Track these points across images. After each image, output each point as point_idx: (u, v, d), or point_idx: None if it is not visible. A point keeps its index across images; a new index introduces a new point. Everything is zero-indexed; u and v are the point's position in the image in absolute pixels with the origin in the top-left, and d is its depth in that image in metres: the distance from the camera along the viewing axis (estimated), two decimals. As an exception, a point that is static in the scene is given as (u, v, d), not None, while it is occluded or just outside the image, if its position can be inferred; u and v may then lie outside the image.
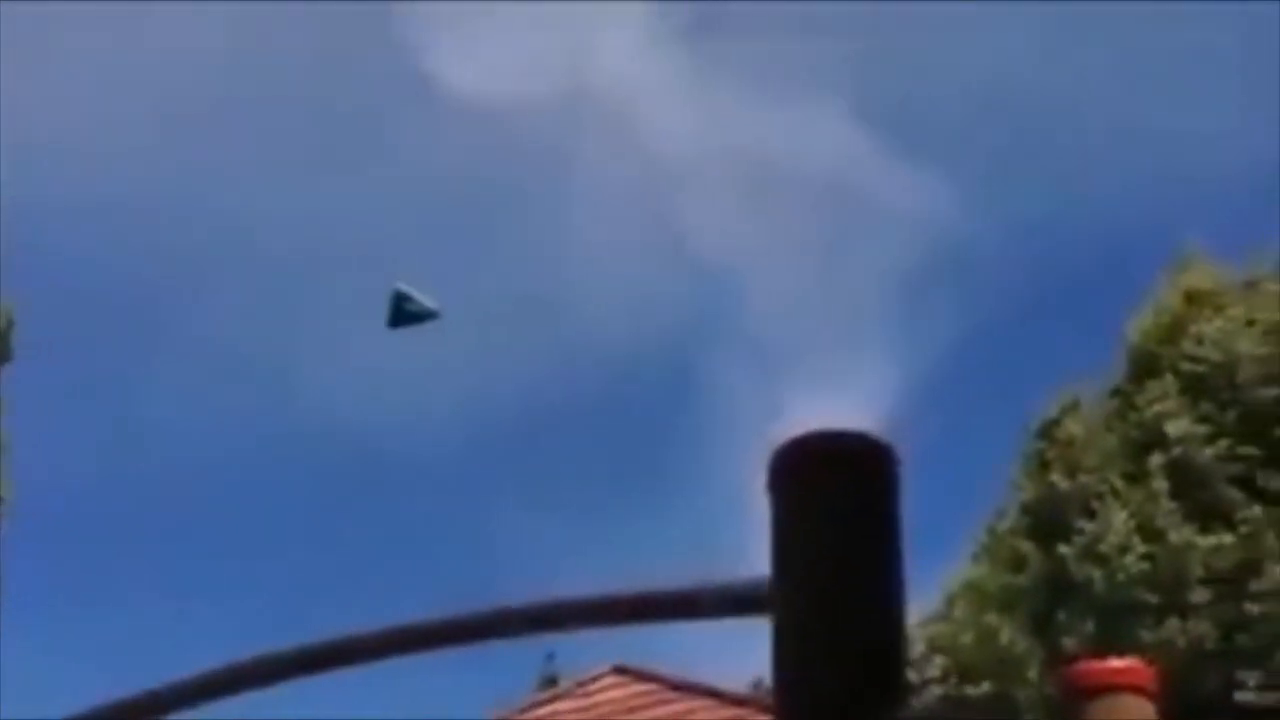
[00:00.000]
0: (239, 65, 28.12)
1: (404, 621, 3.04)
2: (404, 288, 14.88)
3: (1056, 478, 20.45)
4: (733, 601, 2.89)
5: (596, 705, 12.93)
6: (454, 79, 25.36)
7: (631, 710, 12.70)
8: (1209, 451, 19.94)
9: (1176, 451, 20.04)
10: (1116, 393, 21.10)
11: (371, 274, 28.01)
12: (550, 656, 23.89)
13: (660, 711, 12.79)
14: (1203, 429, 20.10)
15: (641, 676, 13.14)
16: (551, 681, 19.98)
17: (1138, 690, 3.93)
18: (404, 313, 14.86)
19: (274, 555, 30.53)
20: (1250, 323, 20.78)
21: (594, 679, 13.40)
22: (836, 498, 2.55)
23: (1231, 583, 19.02)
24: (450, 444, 30.23)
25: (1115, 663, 4.12)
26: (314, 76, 28.42)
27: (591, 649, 13.77)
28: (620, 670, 13.19)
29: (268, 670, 3.26)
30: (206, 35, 26.92)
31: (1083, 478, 20.28)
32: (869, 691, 2.43)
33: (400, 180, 28.77)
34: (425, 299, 14.88)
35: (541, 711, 13.62)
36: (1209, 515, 19.66)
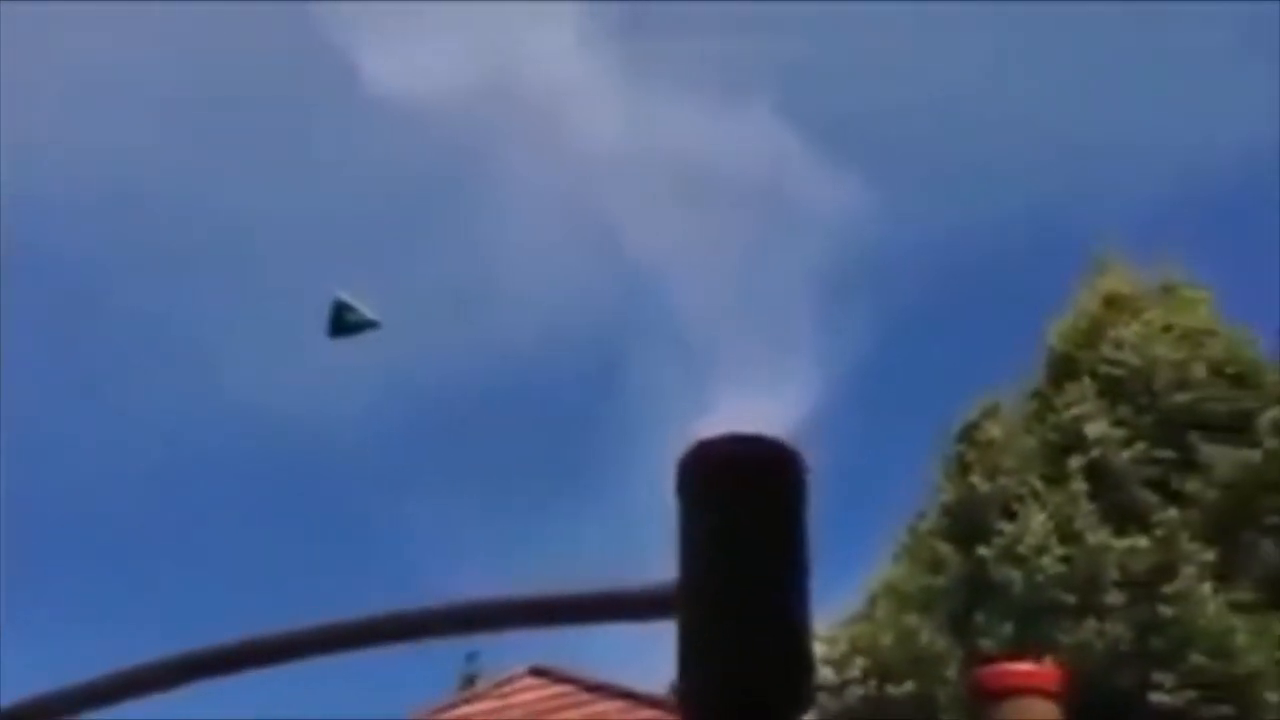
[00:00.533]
0: (167, 64, 27.93)
1: (321, 621, 3.04)
2: (345, 297, 15.06)
3: (976, 480, 20.61)
4: (641, 605, 2.91)
5: (511, 707, 12.94)
6: (383, 77, 25.33)
7: (544, 712, 12.72)
8: (1126, 454, 20.18)
9: (1094, 454, 20.25)
10: (1035, 395, 21.31)
11: (300, 265, 27.96)
12: (471, 656, 23.81)
13: (573, 714, 12.81)
14: (1120, 432, 20.33)
15: (559, 678, 13.16)
16: (471, 681, 19.94)
17: (1043, 693, 4.00)
18: (345, 323, 15.05)
19: (194, 546, 30.26)
20: (1167, 328, 21.04)
21: (510, 680, 13.41)
22: (742, 503, 2.58)
23: (1146, 585, 19.26)
24: (375, 437, 30.11)
25: (1022, 666, 4.18)
26: (245, 74, 28.29)
27: (515, 649, 13.80)
28: (537, 672, 13.21)
29: (183, 670, 3.25)
30: (133, 34, 26.73)
31: (1002, 480, 20.46)
32: (771, 694, 2.47)
33: (329, 176, 28.70)
34: (366, 309, 15.08)
35: (456, 713, 13.61)
36: (1125, 517, 19.89)
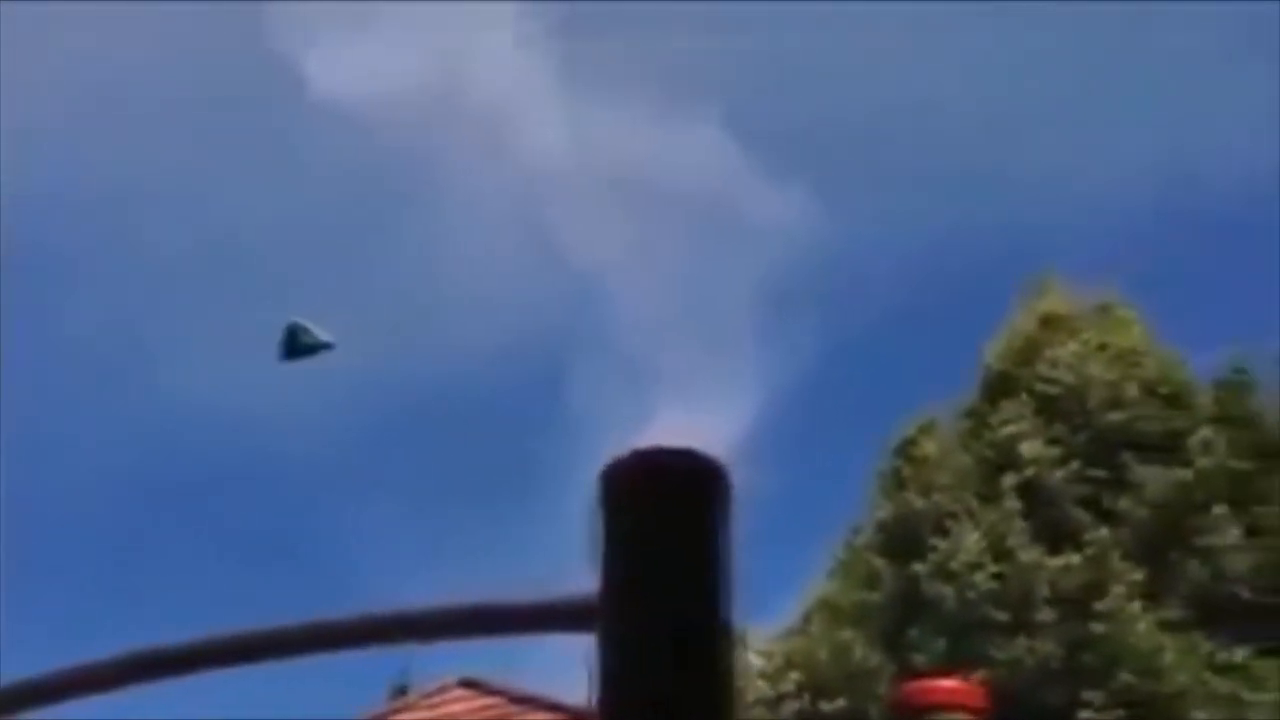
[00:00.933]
0: (113, 65, 27.76)
1: (243, 628, 3.02)
2: (299, 321, 15.23)
3: (911, 496, 20.74)
4: (560, 617, 2.91)
5: (439, 718, 12.89)
6: (326, 82, 25.25)
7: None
8: (1059, 473, 20.35)
9: (1028, 472, 20.41)
10: (971, 413, 21.45)
11: (246, 271, 27.79)
12: (403, 669, 23.67)
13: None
14: (1054, 451, 20.50)
15: (488, 690, 13.13)
16: (402, 691, 19.84)
17: (966, 709, 4.02)
18: (299, 345, 15.22)
19: (135, 552, 29.98)
20: (1101, 347, 21.24)
21: (440, 691, 13.38)
22: (663, 516, 2.58)
23: (1077, 603, 19.42)
24: (321, 442, 29.91)
25: (945, 683, 4.21)
26: (187, 77, 28.15)
27: (450, 658, 13.73)
28: (467, 683, 13.17)
29: (107, 675, 3.22)
30: (78, 36, 26.55)
31: (937, 497, 20.59)
32: (691, 710, 2.47)
33: (274, 180, 28.58)
34: (320, 331, 15.25)
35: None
36: (1058, 536, 20.06)
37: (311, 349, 15.23)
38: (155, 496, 29.22)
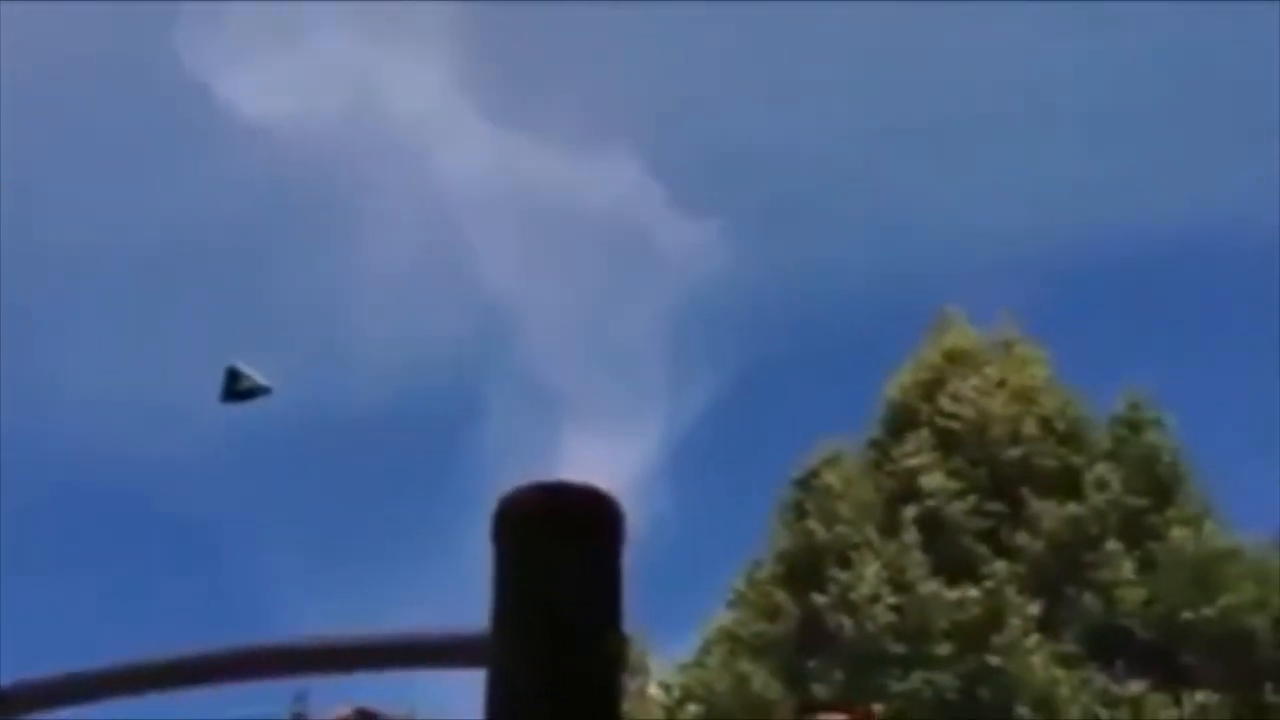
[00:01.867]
0: (17, 73, 27.44)
1: (146, 657, 3.02)
2: (237, 365, 15.52)
3: (813, 527, 20.84)
4: (455, 652, 2.94)
5: (330, 749, 12.79)
6: (244, 103, 25.18)
7: (364, 755, 12.57)
8: (959, 506, 20.56)
9: (929, 505, 20.60)
10: (874, 445, 21.62)
11: (148, 284, 27.50)
12: (300, 696, 23.41)
13: (391, 760, 12.68)
14: (954, 484, 20.70)
15: (383, 721, 13.03)
16: (299, 720, 19.66)
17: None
18: (237, 390, 15.50)
19: (47, 576, 29.44)
20: (1001, 384, 21.50)
21: (332, 721, 13.27)
22: (553, 552, 2.62)
23: (974, 635, 19.60)
24: (222, 471, 29.57)
25: (834, 716, 4.26)
26: (102, 93, 27.92)
27: (344, 688, 13.57)
28: (363, 714, 13.07)
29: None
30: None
31: (839, 528, 20.71)
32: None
33: (182, 192, 28.35)
34: (257, 376, 15.55)
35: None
36: (956, 569, 20.25)
37: (249, 393, 15.54)
38: (37, 517, 28.78)
